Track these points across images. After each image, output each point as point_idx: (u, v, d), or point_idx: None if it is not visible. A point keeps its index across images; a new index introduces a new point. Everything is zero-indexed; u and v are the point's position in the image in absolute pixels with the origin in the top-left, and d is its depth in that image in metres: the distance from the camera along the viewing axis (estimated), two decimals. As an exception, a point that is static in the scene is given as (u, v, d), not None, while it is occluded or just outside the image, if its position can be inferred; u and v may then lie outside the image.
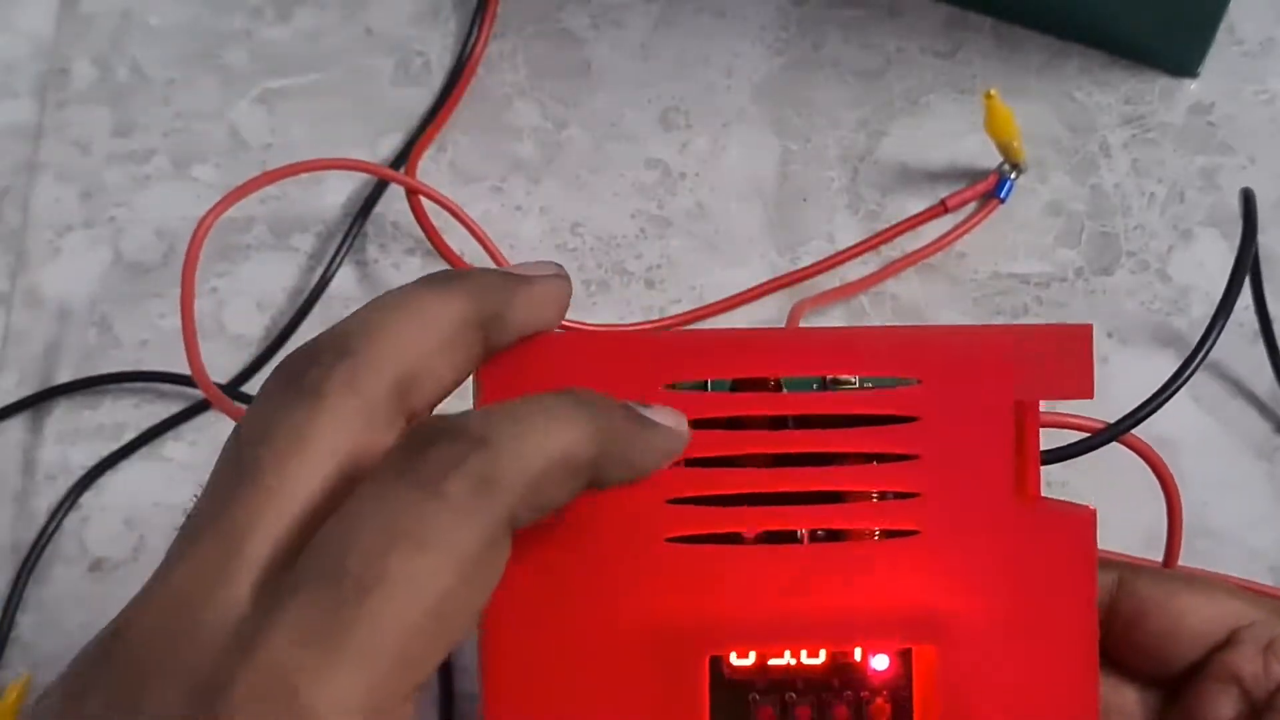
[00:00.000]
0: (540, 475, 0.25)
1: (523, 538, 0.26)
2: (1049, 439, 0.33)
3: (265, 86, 0.56)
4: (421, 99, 0.56)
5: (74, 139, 0.56)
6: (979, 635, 0.31)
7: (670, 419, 0.29)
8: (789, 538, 0.31)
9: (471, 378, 0.29)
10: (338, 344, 0.26)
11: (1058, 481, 0.45)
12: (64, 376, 0.52)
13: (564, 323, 0.33)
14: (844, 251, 0.52)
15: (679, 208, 0.54)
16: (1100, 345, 0.50)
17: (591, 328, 0.29)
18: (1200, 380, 0.50)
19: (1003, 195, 0.52)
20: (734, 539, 0.30)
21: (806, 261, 0.52)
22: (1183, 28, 0.53)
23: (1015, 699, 0.31)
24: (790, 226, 0.53)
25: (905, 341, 0.31)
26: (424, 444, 0.24)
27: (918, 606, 0.31)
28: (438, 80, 0.56)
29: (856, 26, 0.56)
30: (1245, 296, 0.50)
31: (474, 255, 0.52)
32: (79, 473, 0.50)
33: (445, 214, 0.52)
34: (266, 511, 0.24)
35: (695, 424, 0.30)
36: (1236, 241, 0.50)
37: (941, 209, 0.52)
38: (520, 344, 0.29)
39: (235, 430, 0.26)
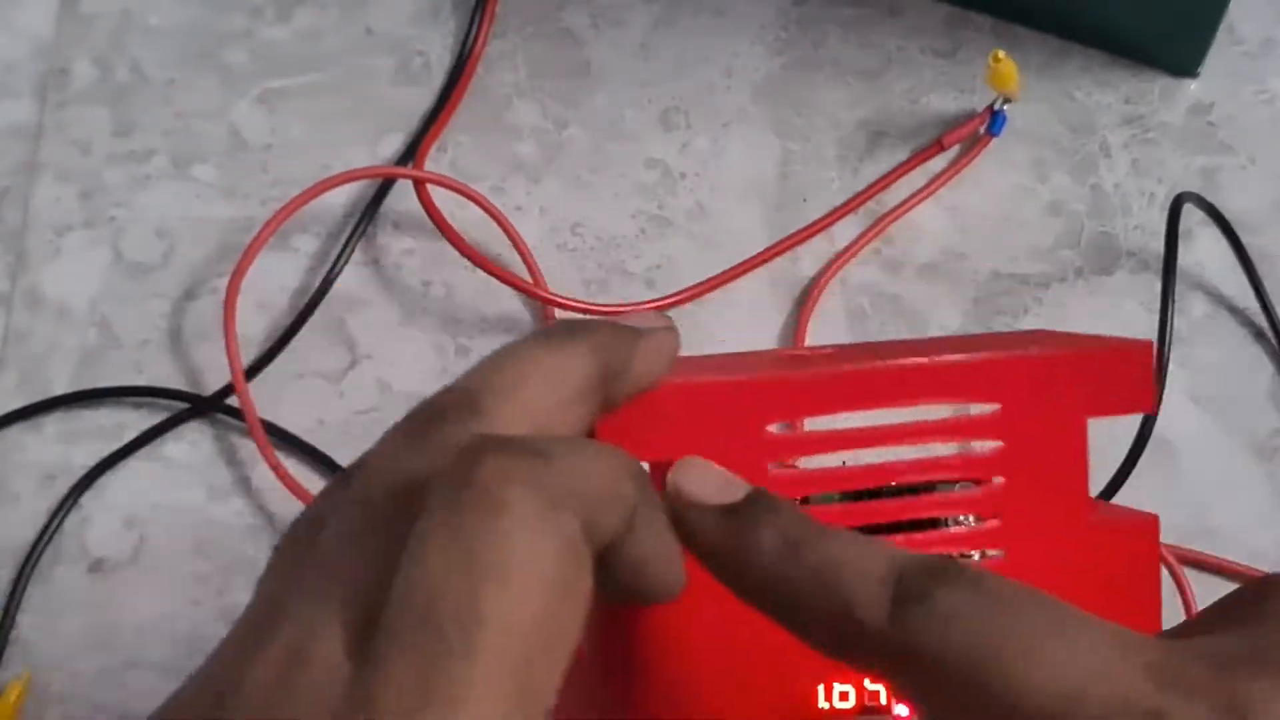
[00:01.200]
0: (585, 452, 0.24)
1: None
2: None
3: (265, 86, 0.56)
4: (421, 99, 0.56)
5: (74, 139, 0.56)
6: None
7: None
8: None
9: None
10: (467, 401, 0.25)
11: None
12: (64, 377, 0.52)
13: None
14: (842, 206, 0.53)
15: (679, 208, 0.54)
16: (1100, 345, 0.50)
17: (694, 370, 0.30)
18: (1200, 380, 0.50)
19: (996, 130, 0.53)
20: None
21: (806, 261, 0.52)
22: (1183, 28, 0.53)
23: None
24: (790, 227, 0.53)
25: (986, 369, 0.32)
26: (474, 459, 0.23)
27: None
28: (438, 80, 0.56)
29: (856, 26, 0.56)
30: (1247, 295, 0.50)
31: (483, 247, 0.52)
32: (79, 473, 0.50)
33: (453, 207, 0.52)
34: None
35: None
36: (1237, 242, 0.51)
37: (938, 148, 0.53)
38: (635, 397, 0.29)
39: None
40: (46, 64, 0.57)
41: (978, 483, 0.32)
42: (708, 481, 0.28)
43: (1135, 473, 0.46)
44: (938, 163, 0.53)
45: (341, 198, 0.54)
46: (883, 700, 0.42)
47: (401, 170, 0.54)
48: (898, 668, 0.24)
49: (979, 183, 0.53)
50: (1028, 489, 0.32)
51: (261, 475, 0.50)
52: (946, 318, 0.51)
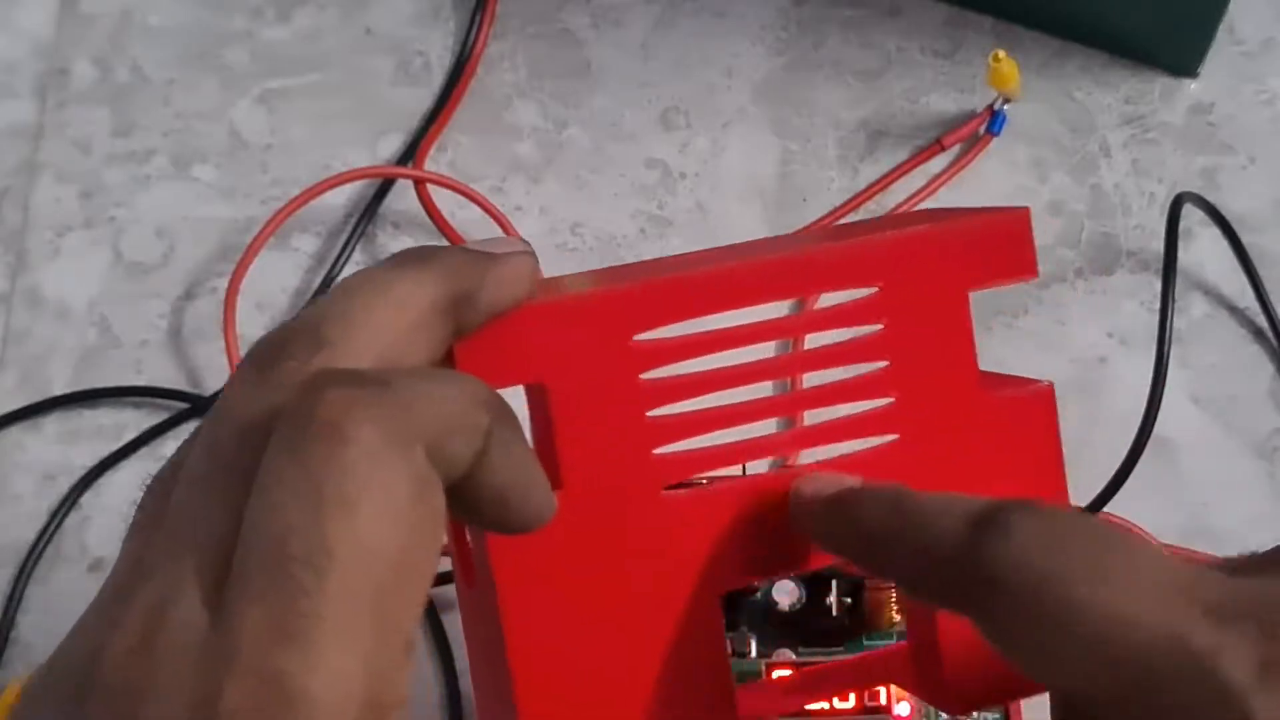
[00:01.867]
0: (432, 381, 0.24)
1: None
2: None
3: (265, 86, 0.56)
4: (421, 99, 0.56)
5: (74, 139, 0.56)
6: None
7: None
8: (777, 465, 0.32)
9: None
10: (311, 334, 0.25)
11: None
12: (63, 377, 0.52)
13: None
14: (842, 206, 0.53)
15: (679, 208, 0.54)
16: (1100, 345, 0.50)
17: (556, 291, 0.30)
18: (1200, 380, 0.50)
19: (996, 130, 0.53)
20: (724, 476, 0.31)
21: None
22: (1183, 28, 0.53)
23: None
24: (790, 227, 0.53)
25: (860, 253, 0.31)
26: (316, 394, 0.23)
27: None
28: (438, 80, 0.56)
29: (856, 26, 0.56)
30: (1247, 295, 0.50)
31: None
32: (79, 473, 0.50)
33: (453, 207, 0.52)
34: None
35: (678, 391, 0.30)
36: (1237, 241, 0.51)
37: (938, 148, 0.53)
38: (492, 321, 0.29)
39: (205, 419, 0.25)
40: (46, 64, 0.57)
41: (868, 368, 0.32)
42: (825, 481, 0.31)
43: (1135, 473, 0.46)
44: (938, 163, 0.53)
45: (341, 198, 0.54)
46: (883, 700, 0.42)
47: (401, 170, 0.54)
48: (971, 590, 0.26)
49: (979, 183, 0.53)
50: (916, 369, 0.31)
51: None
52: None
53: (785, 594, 0.44)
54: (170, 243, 0.54)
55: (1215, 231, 0.51)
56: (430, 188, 0.53)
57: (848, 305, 0.31)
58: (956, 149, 0.53)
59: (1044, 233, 0.52)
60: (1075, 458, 0.50)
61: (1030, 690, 0.33)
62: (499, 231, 0.52)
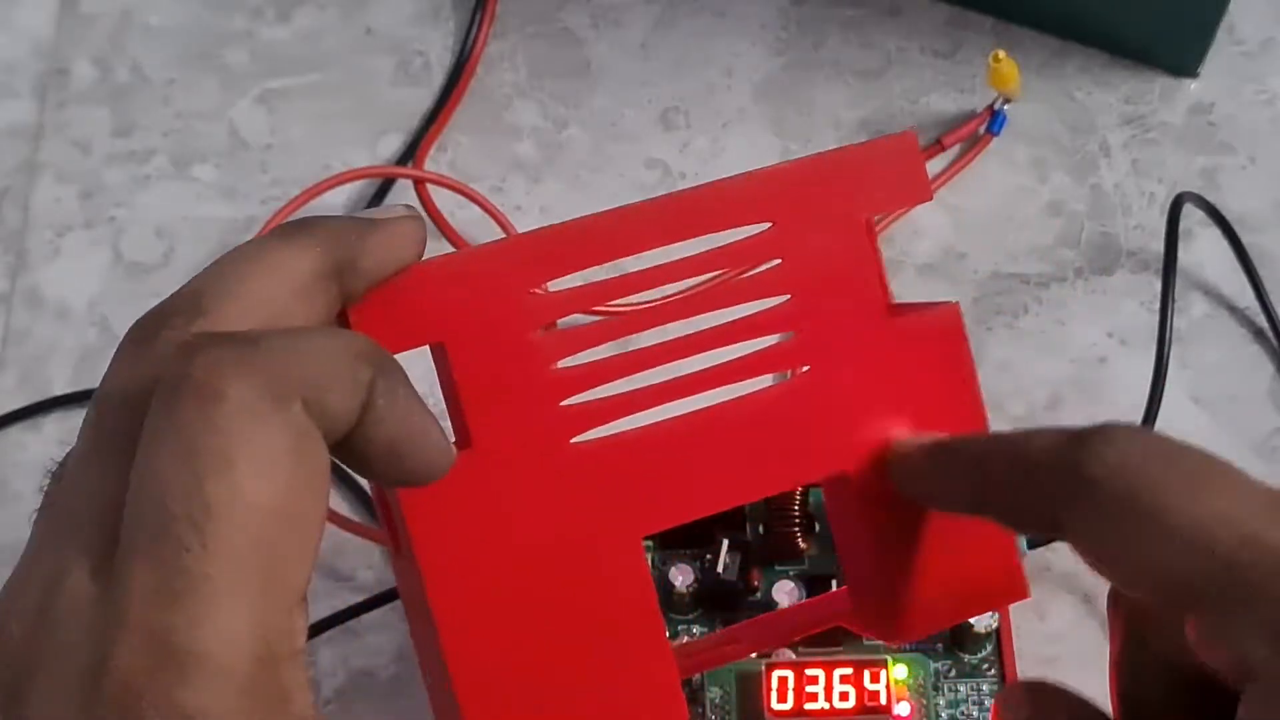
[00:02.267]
0: (306, 337, 0.25)
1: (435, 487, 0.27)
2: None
3: (265, 86, 0.56)
4: (421, 99, 0.56)
5: (74, 139, 0.56)
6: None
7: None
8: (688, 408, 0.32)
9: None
10: (190, 304, 0.25)
11: (1041, 562, 0.46)
12: (64, 377, 0.52)
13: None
14: None
15: (679, 208, 0.54)
16: (1100, 345, 0.50)
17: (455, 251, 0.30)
18: (1200, 380, 0.50)
19: (996, 130, 0.53)
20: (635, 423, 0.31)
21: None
22: (1183, 28, 0.53)
23: (940, 535, 0.33)
24: (790, 226, 0.53)
25: (751, 189, 0.32)
26: (188, 355, 0.23)
27: (828, 437, 0.32)
28: (438, 80, 0.56)
29: (856, 26, 0.56)
30: (1247, 295, 0.50)
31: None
32: (79, 473, 0.50)
33: (453, 207, 0.52)
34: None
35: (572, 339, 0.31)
36: (1237, 241, 0.51)
37: (938, 148, 0.53)
38: (386, 282, 0.29)
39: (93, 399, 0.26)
40: (46, 64, 0.57)
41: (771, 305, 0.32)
42: (918, 437, 0.32)
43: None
44: (938, 163, 0.53)
45: (341, 198, 0.54)
46: (882, 700, 0.42)
47: (401, 170, 0.54)
48: (1071, 496, 0.26)
49: (979, 183, 0.53)
50: (820, 300, 0.32)
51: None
52: (946, 318, 0.51)
53: (785, 594, 0.44)
54: (170, 243, 0.54)
55: (1215, 231, 0.51)
56: (430, 188, 0.53)
57: (744, 242, 0.32)
58: (956, 149, 0.53)
59: (1044, 233, 0.52)
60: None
61: (968, 611, 0.35)
62: (500, 232, 0.52)
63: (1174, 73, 0.54)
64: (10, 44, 0.58)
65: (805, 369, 0.32)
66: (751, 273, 0.32)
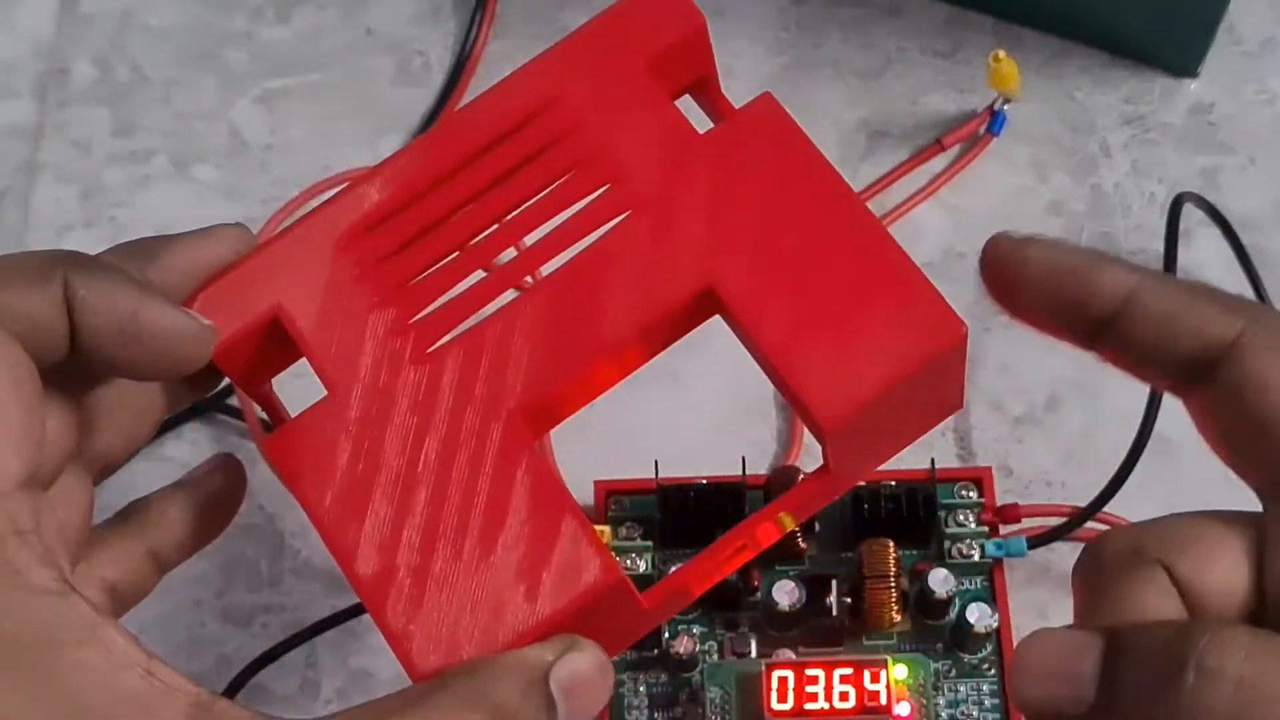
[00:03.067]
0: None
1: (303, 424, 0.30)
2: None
3: (265, 86, 0.56)
4: (421, 99, 0.56)
5: (74, 139, 0.56)
6: (769, 267, 0.31)
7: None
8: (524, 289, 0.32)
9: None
10: None
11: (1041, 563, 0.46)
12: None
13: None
14: None
15: (679, 208, 0.54)
16: (1100, 345, 0.50)
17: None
18: (1200, 380, 0.50)
19: (996, 130, 0.53)
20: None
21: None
22: (1183, 28, 0.53)
23: (835, 305, 0.32)
24: (790, 226, 0.53)
25: (529, 79, 0.33)
26: None
27: (676, 264, 0.31)
28: (438, 80, 0.56)
29: (856, 26, 0.56)
30: (1246, 295, 0.50)
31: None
32: (79, 473, 0.50)
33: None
34: None
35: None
36: (1237, 242, 0.51)
37: (938, 148, 0.53)
38: (224, 273, 0.32)
39: None
40: (46, 64, 0.57)
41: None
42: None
43: (1136, 472, 0.46)
44: (938, 163, 0.53)
45: (341, 198, 0.54)
46: (883, 700, 0.42)
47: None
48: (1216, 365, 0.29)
49: (979, 183, 0.53)
50: (622, 149, 0.32)
51: (261, 475, 0.49)
52: (946, 318, 0.51)
53: (785, 594, 0.44)
54: (170, 243, 0.54)
55: (1215, 231, 0.51)
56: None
57: (533, 124, 0.33)
58: (956, 149, 0.53)
59: (1044, 232, 0.52)
60: (1076, 457, 0.50)
61: (896, 367, 0.32)
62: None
63: (1174, 73, 0.54)
64: (10, 44, 0.58)
65: (627, 214, 0.32)
66: (551, 150, 0.32)
